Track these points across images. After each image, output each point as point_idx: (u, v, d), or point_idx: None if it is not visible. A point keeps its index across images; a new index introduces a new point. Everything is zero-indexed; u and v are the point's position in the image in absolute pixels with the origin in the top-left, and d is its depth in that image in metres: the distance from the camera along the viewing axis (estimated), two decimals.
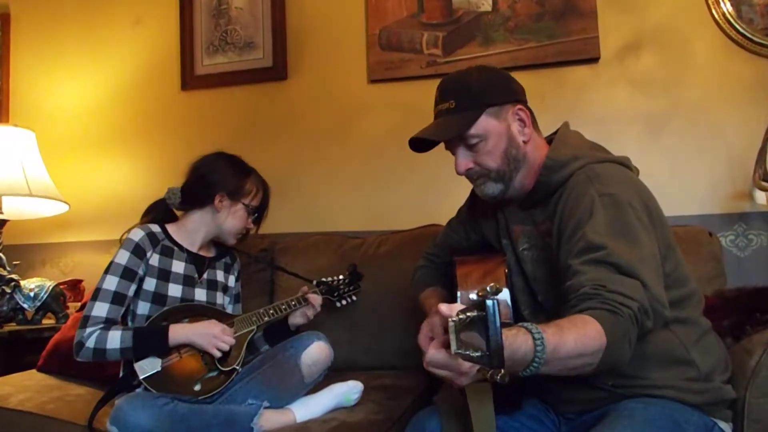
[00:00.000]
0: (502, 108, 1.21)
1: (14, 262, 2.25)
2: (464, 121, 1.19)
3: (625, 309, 0.94)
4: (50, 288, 2.22)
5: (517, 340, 0.81)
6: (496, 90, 1.22)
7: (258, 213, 1.75)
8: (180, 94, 2.58)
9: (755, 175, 1.86)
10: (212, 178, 1.68)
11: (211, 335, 1.55)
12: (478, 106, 1.20)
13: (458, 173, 1.25)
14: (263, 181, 1.76)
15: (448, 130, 1.21)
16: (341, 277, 1.84)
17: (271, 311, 1.67)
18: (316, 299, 1.72)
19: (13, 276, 2.20)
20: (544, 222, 1.22)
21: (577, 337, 0.88)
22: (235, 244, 1.75)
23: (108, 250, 1.62)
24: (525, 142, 1.23)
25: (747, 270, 1.98)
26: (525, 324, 0.85)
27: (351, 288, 1.85)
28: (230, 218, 1.68)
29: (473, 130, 1.19)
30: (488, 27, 2.24)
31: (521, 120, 1.23)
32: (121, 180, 2.60)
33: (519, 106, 1.23)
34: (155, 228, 1.65)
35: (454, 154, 1.25)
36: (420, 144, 1.25)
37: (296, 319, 1.72)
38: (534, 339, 0.83)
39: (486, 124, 1.20)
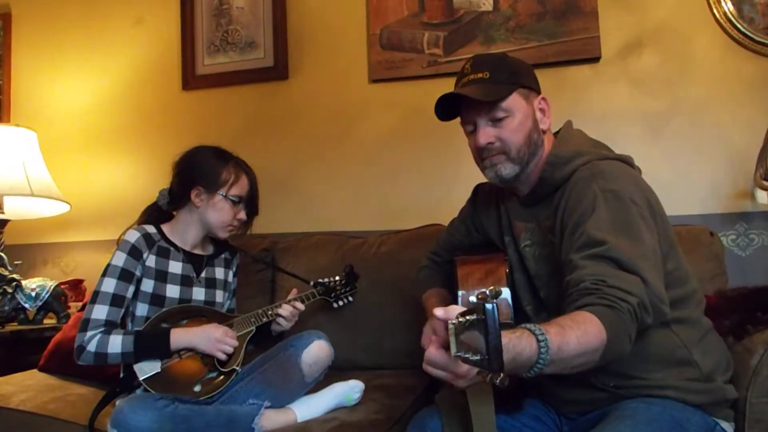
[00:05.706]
0: (531, 93, 1.25)
1: (15, 262, 2.25)
2: (501, 91, 1.20)
3: (624, 304, 0.95)
4: (51, 288, 2.23)
5: (521, 343, 0.81)
6: (528, 75, 1.27)
7: (244, 202, 1.68)
8: (181, 94, 2.58)
9: (756, 174, 1.86)
10: (188, 174, 1.65)
11: (215, 339, 1.54)
12: (512, 82, 1.22)
13: (478, 146, 1.23)
14: (245, 169, 1.68)
15: (489, 93, 1.19)
16: (338, 277, 1.84)
17: (270, 312, 1.67)
18: (287, 309, 1.66)
19: (15, 276, 2.20)
20: (547, 218, 1.23)
21: (579, 335, 0.88)
22: (227, 237, 1.71)
23: (109, 249, 1.61)
24: (544, 132, 1.26)
25: (748, 269, 1.98)
26: (528, 325, 0.85)
27: (348, 289, 1.85)
28: (211, 211, 1.64)
29: (505, 104, 1.20)
30: (489, 26, 2.24)
31: (542, 110, 1.26)
32: (122, 180, 2.60)
33: (542, 96, 1.27)
34: (151, 229, 1.64)
35: (473, 127, 1.24)
36: (445, 110, 1.23)
37: (276, 325, 1.68)
38: (538, 341, 0.82)
39: (517, 101, 1.22)
